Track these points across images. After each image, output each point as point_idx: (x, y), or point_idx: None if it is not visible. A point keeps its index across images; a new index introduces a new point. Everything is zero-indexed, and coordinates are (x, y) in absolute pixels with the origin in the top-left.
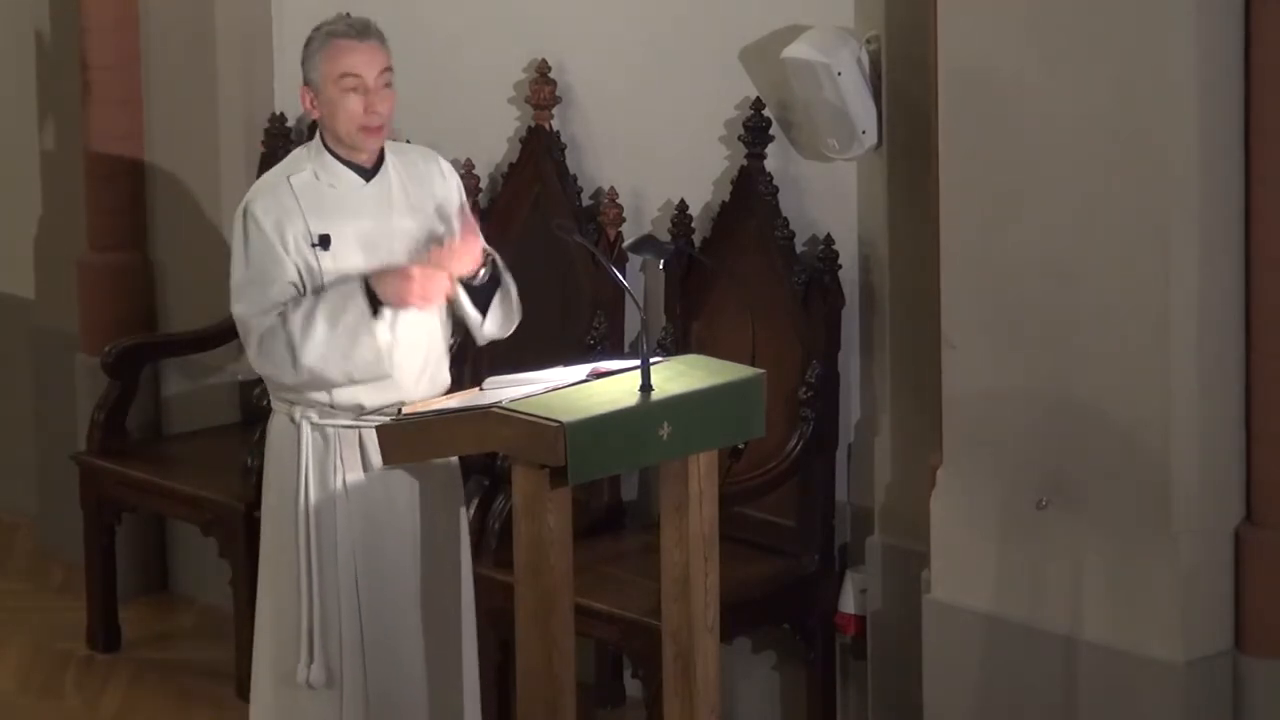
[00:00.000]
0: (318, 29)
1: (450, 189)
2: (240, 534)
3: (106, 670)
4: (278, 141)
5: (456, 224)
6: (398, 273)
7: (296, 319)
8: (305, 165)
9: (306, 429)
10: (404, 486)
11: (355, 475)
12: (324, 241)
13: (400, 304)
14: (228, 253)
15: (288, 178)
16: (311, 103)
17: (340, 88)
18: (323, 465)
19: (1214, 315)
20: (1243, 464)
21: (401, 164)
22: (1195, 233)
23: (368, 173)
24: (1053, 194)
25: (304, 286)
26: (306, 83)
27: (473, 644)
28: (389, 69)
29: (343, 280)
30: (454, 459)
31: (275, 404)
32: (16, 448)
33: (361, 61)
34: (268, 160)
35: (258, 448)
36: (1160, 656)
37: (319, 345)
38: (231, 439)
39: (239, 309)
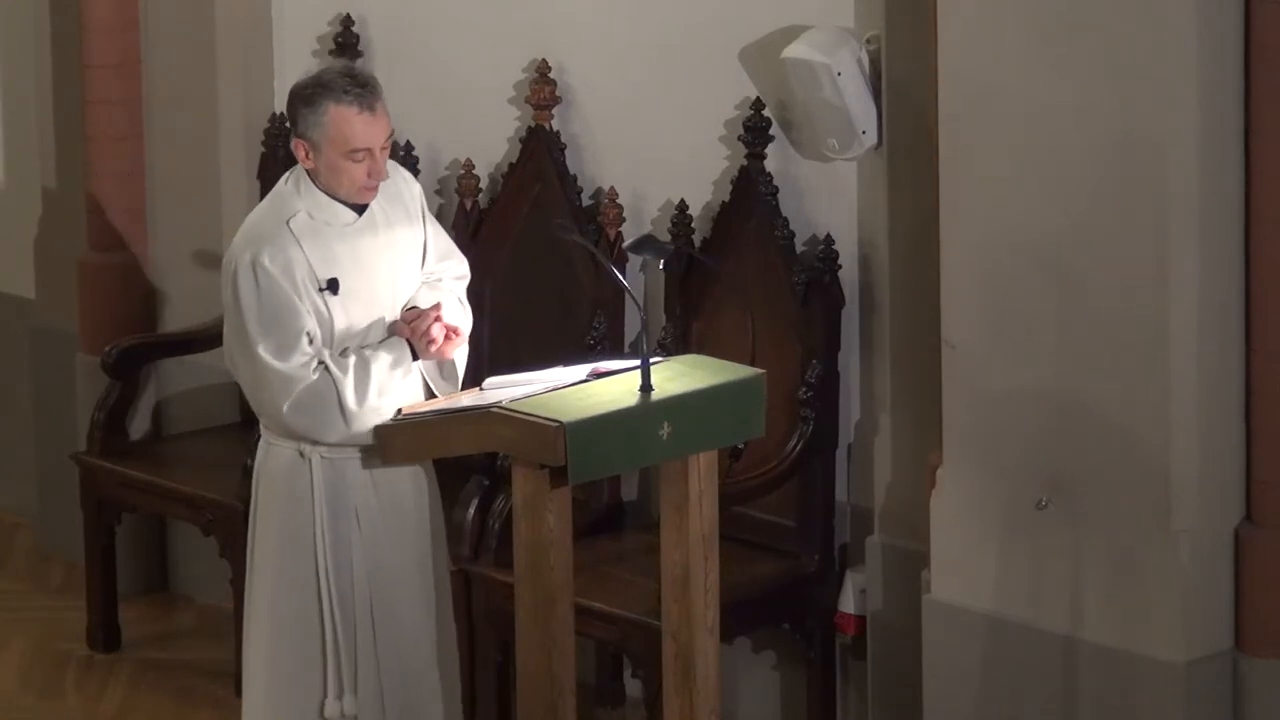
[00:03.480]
0: (319, 87)
1: (414, 195)
2: (240, 534)
3: (106, 670)
4: (278, 141)
5: (426, 231)
6: (429, 324)
7: (349, 385)
8: (298, 205)
9: (317, 462)
10: (407, 499)
11: (366, 500)
12: (333, 286)
13: (430, 355)
14: (225, 255)
15: (286, 222)
16: (308, 155)
17: (349, 158)
18: (334, 496)
19: (1214, 315)
20: (1243, 464)
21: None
22: (1195, 233)
23: (358, 207)
24: (1053, 194)
25: (314, 333)
26: (303, 138)
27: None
28: (392, 133)
29: (384, 343)
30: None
31: (274, 438)
32: (16, 448)
33: (373, 135)
34: (267, 160)
35: (256, 449)
36: (1160, 656)
37: (372, 412)
38: (231, 439)
39: (261, 359)
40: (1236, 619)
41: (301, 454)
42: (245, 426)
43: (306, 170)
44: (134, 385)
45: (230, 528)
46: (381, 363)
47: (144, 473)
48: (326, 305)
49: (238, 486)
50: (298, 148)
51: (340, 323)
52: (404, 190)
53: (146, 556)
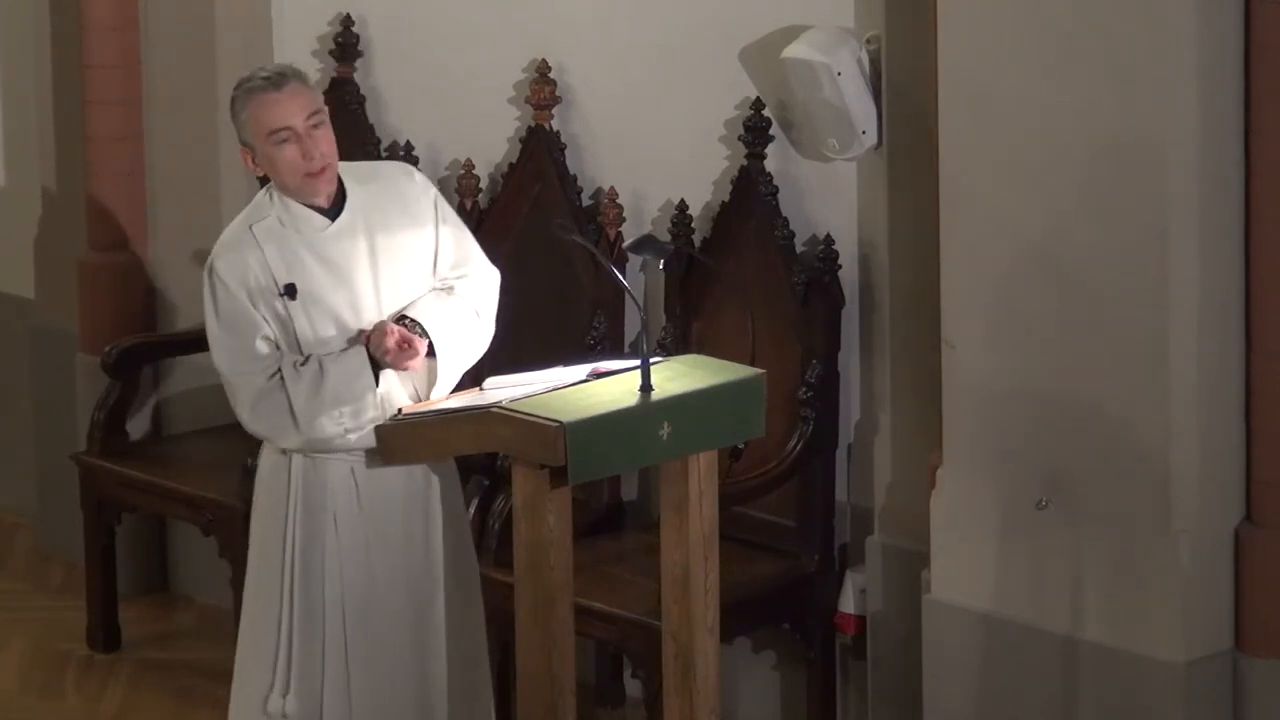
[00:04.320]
0: (237, 88)
1: (426, 198)
2: (240, 534)
3: (106, 670)
4: None
5: (438, 237)
6: (383, 335)
7: (300, 392)
8: (268, 212)
9: (297, 461)
10: (395, 506)
11: (347, 504)
12: (290, 291)
13: (389, 365)
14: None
15: (250, 227)
16: (253, 162)
17: (273, 142)
18: (310, 497)
19: (1214, 315)
20: (1243, 464)
21: (366, 192)
22: (1195, 233)
23: (330, 213)
24: (1053, 194)
25: (278, 338)
26: (244, 146)
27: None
28: (318, 110)
29: (345, 352)
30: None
31: None
32: (16, 448)
33: (287, 112)
34: None
35: (257, 450)
36: (1160, 656)
37: (323, 419)
38: (231, 439)
39: (222, 366)
40: (1236, 619)
41: (283, 452)
42: None
43: (275, 181)
44: (134, 385)
45: (230, 528)
46: (337, 369)
47: (144, 473)
48: (287, 310)
49: (238, 486)
50: (244, 159)
51: (303, 328)
52: (408, 193)
53: (146, 556)
